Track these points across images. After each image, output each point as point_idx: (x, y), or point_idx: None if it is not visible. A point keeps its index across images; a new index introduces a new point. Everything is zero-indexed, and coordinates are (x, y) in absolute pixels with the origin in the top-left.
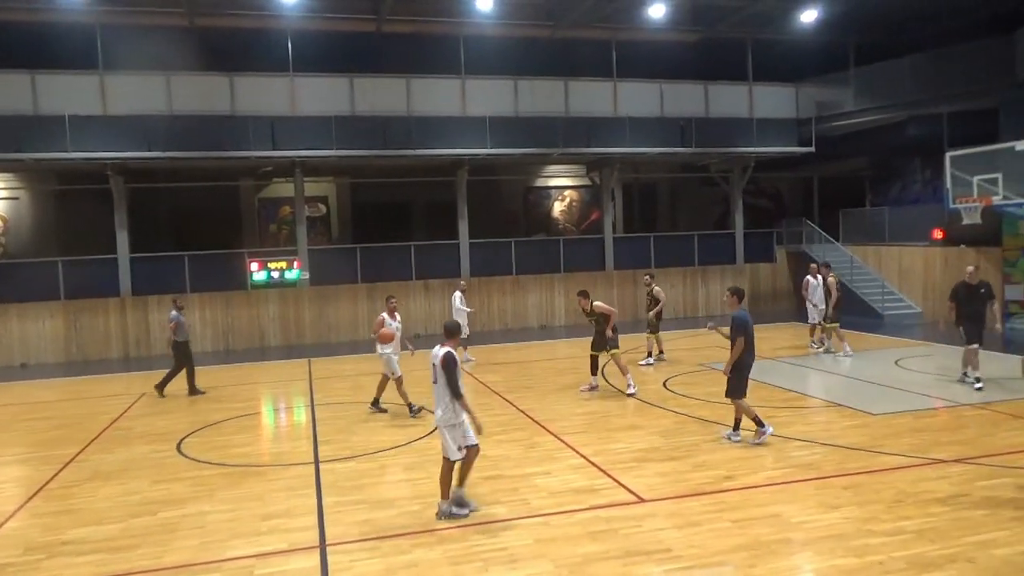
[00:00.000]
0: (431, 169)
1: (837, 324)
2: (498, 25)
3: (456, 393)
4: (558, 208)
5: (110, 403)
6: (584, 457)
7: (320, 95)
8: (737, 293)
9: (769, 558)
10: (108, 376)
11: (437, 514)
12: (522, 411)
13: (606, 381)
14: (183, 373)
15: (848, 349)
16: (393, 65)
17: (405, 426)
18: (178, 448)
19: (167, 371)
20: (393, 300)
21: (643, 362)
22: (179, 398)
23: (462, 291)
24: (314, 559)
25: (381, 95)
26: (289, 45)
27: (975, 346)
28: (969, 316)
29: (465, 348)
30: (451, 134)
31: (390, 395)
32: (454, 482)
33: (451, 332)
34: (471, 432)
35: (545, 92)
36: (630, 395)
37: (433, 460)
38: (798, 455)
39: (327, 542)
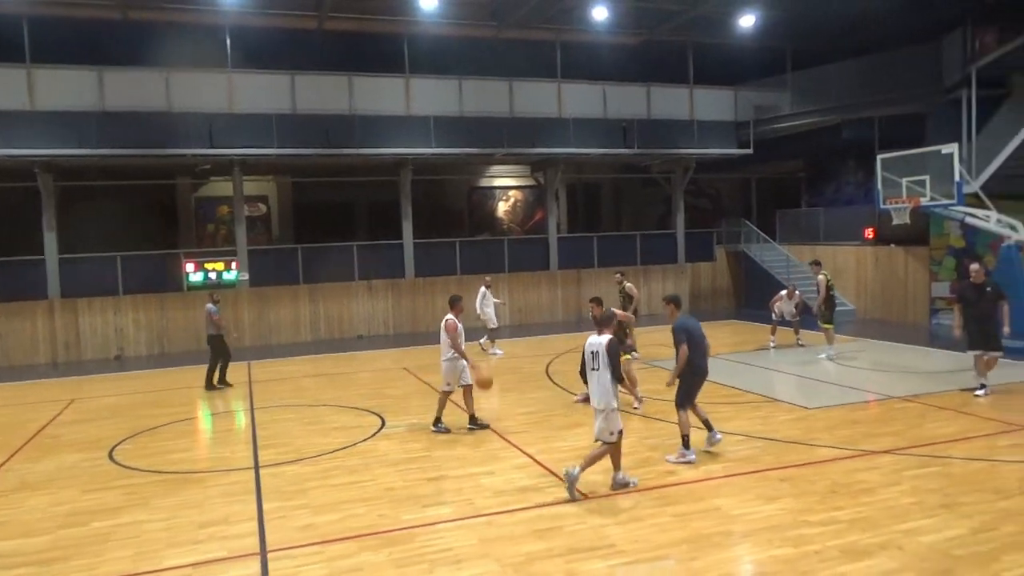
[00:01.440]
0: (374, 168)
1: (830, 324)
2: (442, 24)
3: (618, 378)
4: (502, 208)
5: (37, 410)
6: (529, 456)
7: (260, 92)
8: (673, 301)
9: (710, 550)
10: (35, 382)
11: (612, 484)
12: (467, 412)
13: (551, 380)
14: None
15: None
16: (336, 63)
17: (349, 428)
18: (110, 456)
19: (207, 366)
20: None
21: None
22: (107, 404)
23: (487, 286)
24: (254, 566)
25: (323, 93)
26: (228, 41)
27: (978, 352)
28: (977, 318)
29: (493, 342)
30: (395, 133)
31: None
32: (585, 467)
33: (606, 321)
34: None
35: (490, 92)
36: (635, 409)
37: (379, 462)
38: (737, 449)
39: (268, 548)
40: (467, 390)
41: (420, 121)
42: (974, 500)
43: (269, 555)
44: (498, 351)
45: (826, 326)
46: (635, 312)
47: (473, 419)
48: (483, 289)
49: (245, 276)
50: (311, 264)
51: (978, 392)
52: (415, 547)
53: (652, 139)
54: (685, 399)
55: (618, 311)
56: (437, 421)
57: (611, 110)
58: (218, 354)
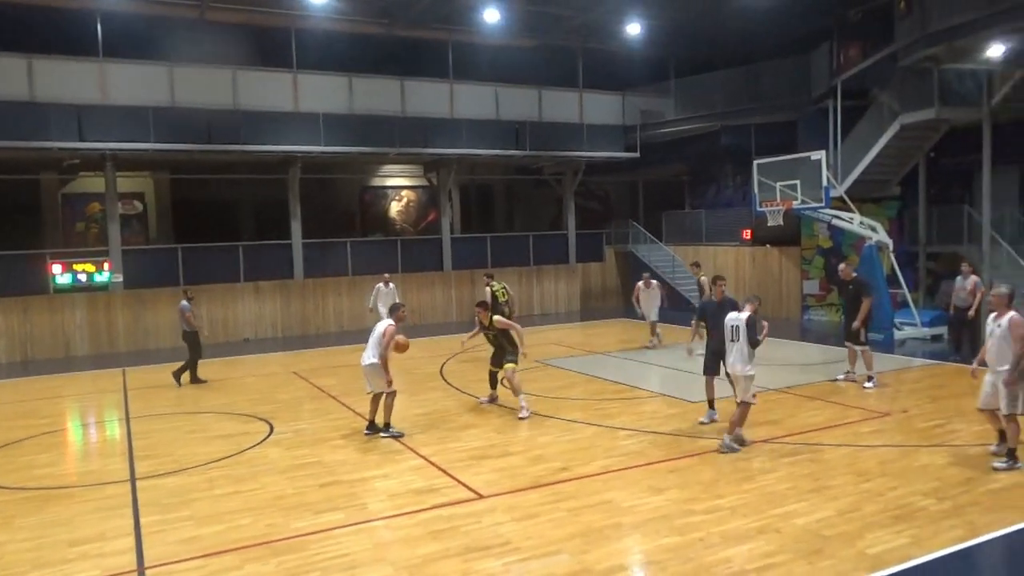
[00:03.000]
0: (261, 166)
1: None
2: (332, 20)
3: (754, 344)
4: (395, 208)
5: None
6: (423, 457)
7: (135, 84)
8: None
9: (602, 543)
10: None
11: (720, 447)
12: (359, 414)
13: (445, 381)
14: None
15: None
16: (219, 55)
17: (235, 435)
18: None
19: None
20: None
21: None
22: None
23: (385, 283)
24: None
25: (205, 86)
26: (99, 27)
27: (848, 345)
28: (845, 314)
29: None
30: (282, 130)
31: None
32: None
33: (750, 301)
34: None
35: (381, 91)
36: (521, 418)
37: (267, 469)
38: (627, 444)
39: (146, 564)
40: (389, 397)
41: (309, 118)
42: (841, 483)
43: (147, 571)
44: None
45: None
46: (510, 315)
47: (388, 427)
48: (379, 285)
49: (119, 278)
50: (193, 265)
51: (866, 384)
52: (306, 556)
53: (543, 141)
54: (704, 369)
55: (502, 319)
56: (387, 426)
57: (503, 112)
58: (195, 351)
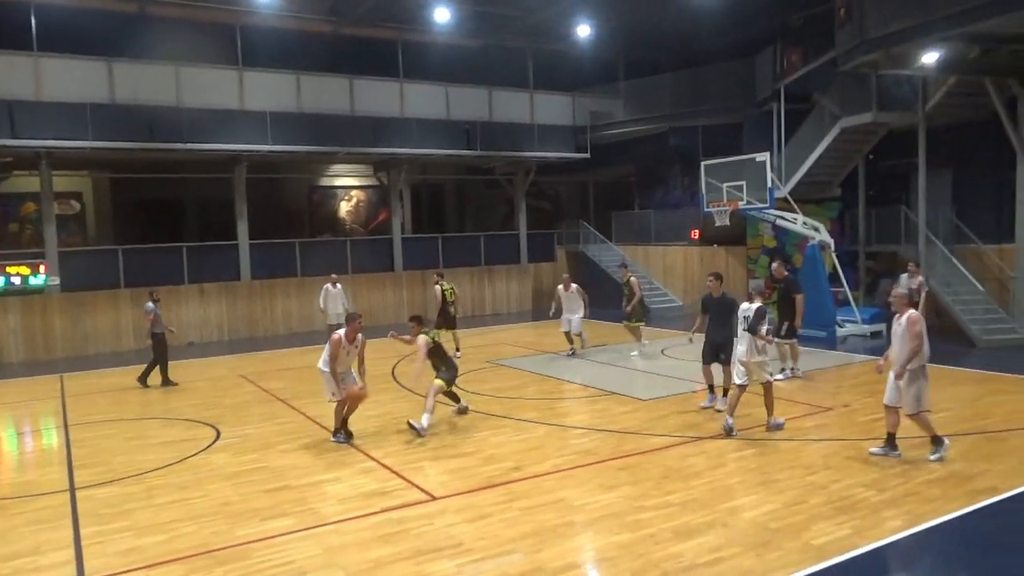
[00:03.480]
0: (205, 165)
1: (642, 323)
2: (278, 17)
3: (754, 331)
4: (345, 208)
5: None
6: (375, 460)
7: (72, 79)
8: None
9: (555, 541)
10: None
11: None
12: (309, 418)
13: (396, 382)
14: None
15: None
16: (161, 51)
17: (178, 442)
18: None
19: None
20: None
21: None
22: None
23: (334, 283)
24: None
25: (146, 83)
26: (33, 20)
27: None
28: (777, 310)
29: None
30: (228, 128)
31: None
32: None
33: (758, 292)
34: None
35: (330, 89)
36: (413, 427)
37: (212, 476)
38: (579, 442)
39: None
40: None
41: (255, 116)
42: (786, 476)
43: None
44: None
45: (635, 324)
46: (455, 315)
47: (335, 432)
48: (327, 286)
49: (55, 280)
50: (134, 267)
51: (777, 376)
52: (252, 563)
53: (494, 141)
54: (702, 358)
55: (423, 343)
56: (335, 431)
57: (454, 111)
58: (160, 353)
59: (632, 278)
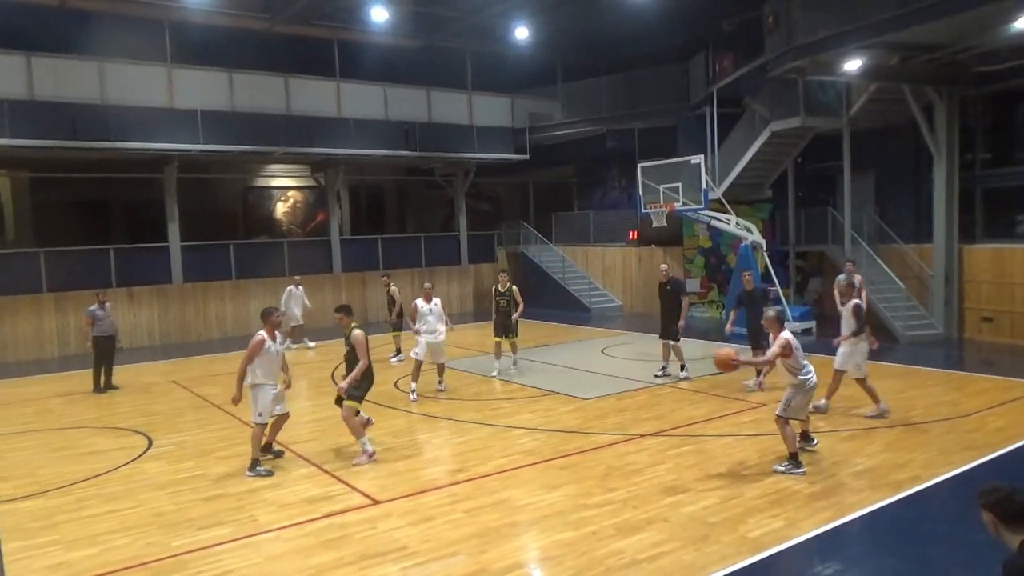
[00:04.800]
0: (133, 164)
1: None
2: (209, 13)
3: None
4: (281, 209)
5: None
6: (316, 465)
7: None
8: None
9: (498, 542)
10: None
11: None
12: (246, 423)
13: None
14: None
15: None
16: (83, 46)
17: (108, 451)
18: None
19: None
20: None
21: (393, 358)
22: None
23: (296, 285)
24: None
25: (68, 79)
26: None
27: (665, 341)
28: (665, 312)
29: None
30: (156, 127)
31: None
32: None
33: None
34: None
35: (265, 88)
36: (355, 465)
37: (145, 486)
38: (522, 442)
39: None
40: (279, 420)
41: (186, 115)
42: (723, 472)
43: None
44: (309, 343)
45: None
46: (399, 315)
47: (253, 463)
48: (290, 288)
49: None
50: (57, 271)
51: (682, 374)
52: (189, 574)
53: (433, 142)
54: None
55: (360, 338)
56: (255, 464)
57: (392, 112)
58: (100, 357)
59: (515, 287)
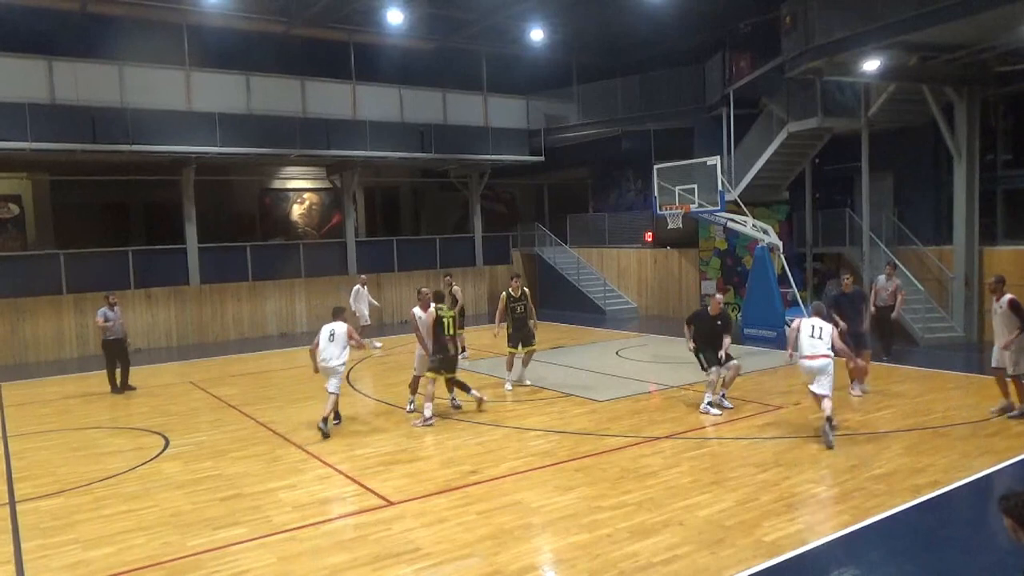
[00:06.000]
0: (152, 167)
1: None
2: (227, 16)
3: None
4: (297, 211)
5: None
6: (330, 466)
7: (9, 78)
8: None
9: (512, 544)
10: None
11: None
12: (262, 424)
13: (351, 387)
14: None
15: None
16: (103, 50)
17: (125, 451)
18: None
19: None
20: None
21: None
22: None
23: (363, 284)
24: None
25: (89, 83)
26: None
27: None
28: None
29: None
30: (175, 130)
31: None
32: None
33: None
34: None
35: (281, 91)
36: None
37: (162, 485)
38: (536, 444)
39: None
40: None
41: (204, 118)
42: (739, 475)
43: None
44: (376, 343)
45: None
46: (461, 313)
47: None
48: (357, 287)
49: None
50: (77, 272)
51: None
52: (205, 574)
53: (449, 144)
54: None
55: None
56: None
57: (408, 114)
58: (110, 359)
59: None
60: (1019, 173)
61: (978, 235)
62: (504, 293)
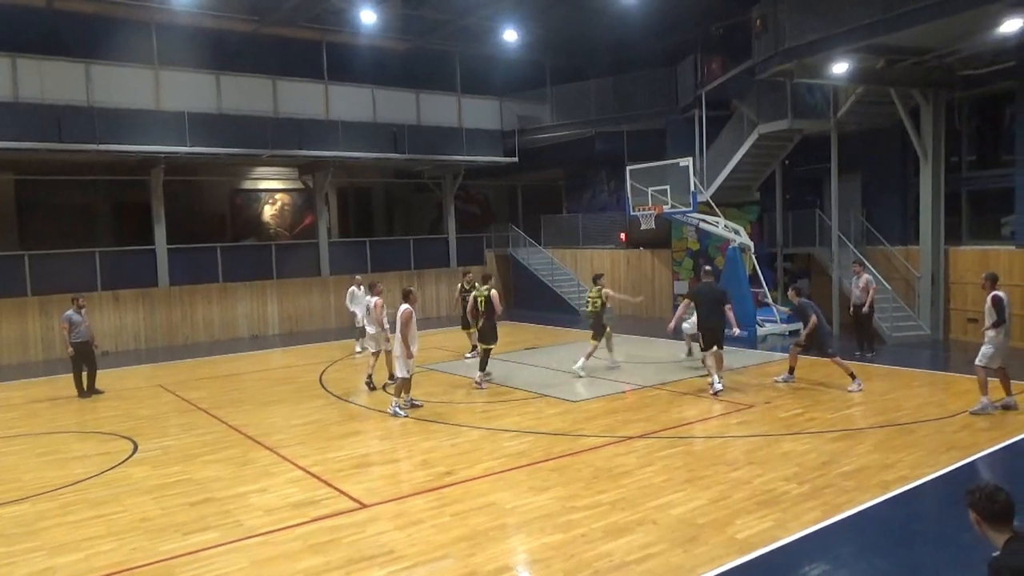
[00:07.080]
0: (119, 167)
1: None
2: (196, 14)
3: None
4: (269, 212)
5: None
6: (303, 469)
7: None
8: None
9: (487, 545)
10: None
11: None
12: (232, 427)
13: (325, 389)
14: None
15: None
16: (69, 48)
17: (93, 456)
18: None
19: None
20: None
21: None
22: None
23: (358, 285)
24: None
25: (55, 81)
26: None
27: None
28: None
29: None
30: (143, 129)
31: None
32: None
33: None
34: None
35: (252, 90)
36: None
37: (131, 490)
38: (511, 445)
39: None
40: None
41: (172, 117)
42: (712, 473)
43: None
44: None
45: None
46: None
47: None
48: (352, 288)
49: None
50: (42, 273)
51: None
52: None
53: (422, 145)
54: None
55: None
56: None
57: (381, 115)
58: (83, 361)
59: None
60: (983, 174)
61: (944, 235)
62: (482, 290)
